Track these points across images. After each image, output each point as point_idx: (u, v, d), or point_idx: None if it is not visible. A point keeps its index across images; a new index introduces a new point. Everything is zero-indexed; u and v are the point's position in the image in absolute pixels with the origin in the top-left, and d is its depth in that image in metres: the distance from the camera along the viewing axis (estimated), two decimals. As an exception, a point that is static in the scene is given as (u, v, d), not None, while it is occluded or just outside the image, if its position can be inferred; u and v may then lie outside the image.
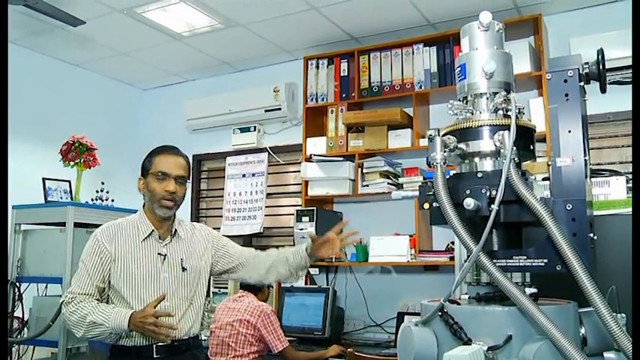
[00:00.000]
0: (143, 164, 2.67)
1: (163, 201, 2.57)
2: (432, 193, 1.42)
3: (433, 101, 4.45)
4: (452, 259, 3.78)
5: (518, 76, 2.03)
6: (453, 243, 3.76)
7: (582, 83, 1.42)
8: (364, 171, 4.34)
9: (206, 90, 5.50)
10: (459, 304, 1.40)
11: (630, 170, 3.52)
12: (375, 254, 4.18)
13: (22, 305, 4.13)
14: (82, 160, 4.24)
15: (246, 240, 5.16)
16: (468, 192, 1.36)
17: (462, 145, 1.44)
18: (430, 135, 1.41)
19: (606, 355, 1.41)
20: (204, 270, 2.71)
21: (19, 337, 4.05)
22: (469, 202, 1.32)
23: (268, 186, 5.14)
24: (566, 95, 1.40)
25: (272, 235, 5.16)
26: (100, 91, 5.53)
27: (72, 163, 4.24)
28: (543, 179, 1.88)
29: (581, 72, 1.42)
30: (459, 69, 1.52)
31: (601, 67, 1.42)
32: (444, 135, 1.45)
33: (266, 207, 5.07)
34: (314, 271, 4.67)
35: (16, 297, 4.11)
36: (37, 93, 4.88)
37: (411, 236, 4.08)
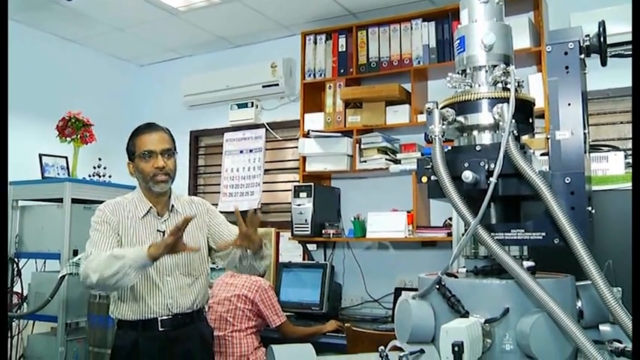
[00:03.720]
0: (128, 149, 2.69)
1: (156, 177, 2.60)
2: (430, 166, 1.41)
3: (431, 77, 4.43)
4: (449, 235, 3.79)
5: (518, 51, 2.03)
6: (450, 219, 3.77)
7: (583, 56, 1.41)
8: (362, 147, 4.33)
9: (203, 66, 5.46)
10: (456, 277, 1.40)
11: (628, 147, 3.52)
12: (372, 230, 4.19)
13: (21, 281, 4.15)
14: (79, 136, 4.22)
15: (244, 216, 5.16)
16: (466, 165, 1.35)
17: (460, 118, 1.42)
18: (429, 108, 1.39)
19: (602, 327, 1.42)
20: (204, 243, 2.74)
21: (18, 312, 4.08)
22: (467, 175, 1.31)
23: (266, 162, 5.14)
24: (567, 68, 1.38)
25: (270, 211, 5.16)
26: (97, 67, 5.49)
27: (68, 139, 4.22)
28: (542, 155, 1.88)
29: (581, 45, 1.40)
30: (458, 41, 1.50)
31: (602, 39, 1.40)
32: (442, 108, 1.44)
33: (264, 183, 5.07)
34: (312, 246, 4.70)
35: (15, 272, 4.13)
36: (32, 69, 4.83)
37: (408, 212, 4.09)
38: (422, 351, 1.33)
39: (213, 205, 2.95)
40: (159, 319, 2.56)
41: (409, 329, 1.35)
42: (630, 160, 2.40)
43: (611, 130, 3.93)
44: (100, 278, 2.34)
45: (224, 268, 3.32)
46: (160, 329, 2.56)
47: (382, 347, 1.37)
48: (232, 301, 3.62)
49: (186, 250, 2.42)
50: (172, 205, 2.70)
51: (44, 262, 4.20)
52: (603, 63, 1.44)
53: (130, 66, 5.89)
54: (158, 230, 2.63)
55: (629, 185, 2.04)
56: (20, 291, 4.15)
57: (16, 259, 4.14)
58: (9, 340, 4.02)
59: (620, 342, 1.32)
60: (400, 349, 1.36)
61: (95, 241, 2.53)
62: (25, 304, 4.15)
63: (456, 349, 1.17)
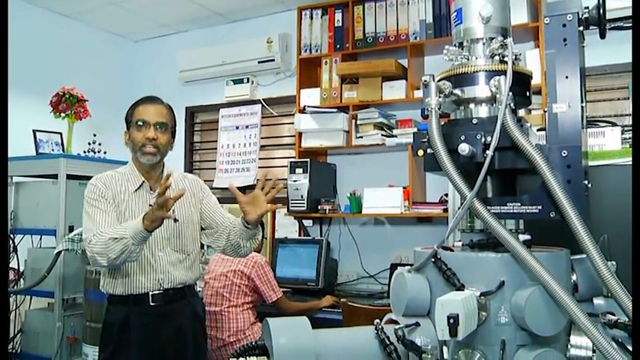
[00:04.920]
0: (126, 118, 2.68)
1: (144, 148, 2.59)
2: (426, 140, 1.40)
3: (428, 52, 4.40)
4: (445, 210, 3.80)
5: (515, 27, 2.00)
6: (446, 195, 3.77)
7: (581, 28, 1.39)
8: (358, 122, 4.32)
9: (199, 41, 5.41)
10: (452, 250, 1.40)
11: (625, 123, 3.52)
12: (368, 206, 4.20)
13: (17, 257, 4.16)
14: (73, 112, 4.19)
15: (240, 192, 5.15)
16: (462, 138, 1.34)
17: (457, 91, 1.41)
18: (425, 81, 1.38)
19: (595, 300, 1.43)
20: (196, 220, 2.73)
21: (15, 287, 4.09)
22: (464, 148, 1.30)
23: (262, 138, 5.12)
24: (565, 40, 1.36)
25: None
26: (91, 43, 5.44)
27: (63, 114, 4.19)
28: (538, 130, 1.87)
29: (580, 17, 1.38)
30: (456, 14, 1.48)
31: (601, 11, 1.38)
32: (439, 80, 1.42)
33: (260, 159, 5.06)
34: (308, 222, 4.70)
35: (11, 249, 4.13)
36: (26, 44, 4.78)
37: (404, 188, 4.09)
38: (417, 324, 1.33)
39: (209, 181, 2.94)
40: (150, 293, 2.56)
41: (405, 302, 1.35)
42: (627, 136, 2.40)
43: (608, 106, 3.92)
44: (109, 261, 2.38)
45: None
46: (152, 304, 2.56)
47: (377, 320, 1.37)
48: (228, 277, 3.63)
49: (172, 219, 2.41)
50: None
51: (40, 238, 4.21)
52: (602, 35, 1.42)
53: (124, 41, 5.83)
54: (150, 205, 2.61)
55: (625, 160, 2.04)
56: (17, 267, 4.16)
57: (11, 235, 4.13)
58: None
59: (614, 314, 1.33)
60: (396, 322, 1.37)
61: (95, 219, 2.51)
62: (21, 279, 4.16)
63: (452, 321, 1.17)
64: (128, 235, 2.34)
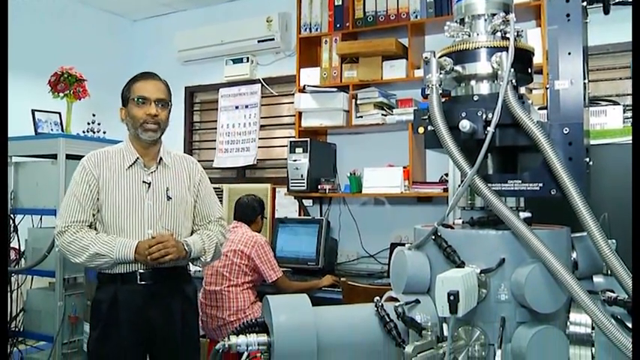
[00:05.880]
0: (122, 93, 2.67)
1: (146, 125, 2.58)
2: (426, 117, 1.39)
3: (429, 32, 4.38)
4: (445, 190, 3.80)
5: (517, 5, 1.98)
6: (446, 174, 3.76)
7: (585, 3, 1.37)
8: (358, 102, 4.30)
9: (198, 20, 5.38)
10: (452, 228, 1.39)
11: (627, 103, 3.50)
12: (368, 185, 4.20)
13: (18, 236, 4.16)
14: (72, 92, 4.17)
15: (240, 172, 5.16)
16: (463, 114, 1.33)
17: (458, 68, 1.39)
18: (426, 57, 1.36)
19: (595, 278, 1.43)
20: (190, 200, 2.71)
21: (16, 267, 4.10)
22: (465, 125, 1.29)
23: (262, 117, 5.11)
24: (568, 15, 1.35)
25: (265, 167, 5.16)
26: (89, 22, 5.41)
27: (61, 94, 4.16)
28: (539, 109, 1.86)
29: (583, -8, 1.37)
30: (457, -11, 1.46)
31: (605, -14, 1.37)
32: (440, 57, 1.41)
33: (259, 139, 5.06)
34: (308, 202, 4.71)
35: (11, 228, 4.13)
36: (24, 24, 4.75)
37: (404, 167, 4.09)
38: (417, 301, 1.33)
39: (209, 161, 2.93)
40: (138, 271, 2.55)
41: (405, 279, 1.35)
42: (629, 115, 2.39)
43: (610, 86, 3.90)
44: (82, 264, 2.55)
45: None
46: (140, 283, 2.55)
47: (377, 298, 1.37)
48: (229, 257, 3.64)
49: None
50: (161, 158, 2.67)
51: (40, 218, 4.20)
52: (606, 11, 1.40)
53: (123, 21, 5.79)
54: (144, 182, 2.60)
55: (626, 139, 2.04)
56: (17, 247, 4.17)
57: (12, 215, 4.14)
58: (9, 294, 4.06)
59: (613, 292, 1.33)
60: (396, 300, 1.37)
61: (69, 207, 2.55)
62: (22, 259, 4.17)
63: (452, 298, 1.17)
64: (115, 256, 2.46)
